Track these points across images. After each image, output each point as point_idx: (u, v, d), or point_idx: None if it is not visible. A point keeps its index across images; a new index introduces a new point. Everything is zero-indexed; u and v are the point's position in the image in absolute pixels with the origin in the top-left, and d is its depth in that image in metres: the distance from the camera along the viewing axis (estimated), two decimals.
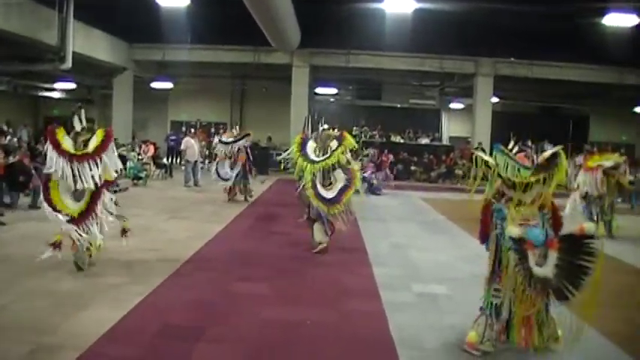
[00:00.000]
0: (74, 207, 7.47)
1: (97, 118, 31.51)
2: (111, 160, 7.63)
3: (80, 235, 7.33)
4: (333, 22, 22.04)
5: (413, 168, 27.25)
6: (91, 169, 7.34)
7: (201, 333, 5.49)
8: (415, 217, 14.48)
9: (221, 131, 30.54)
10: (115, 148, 7.91)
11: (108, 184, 7.81)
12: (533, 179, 5.17)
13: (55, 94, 31.69)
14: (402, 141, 29.92)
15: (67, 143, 7.51)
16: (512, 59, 26.89)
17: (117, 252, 8.58)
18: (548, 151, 5.31)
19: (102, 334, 5.29)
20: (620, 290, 7.71)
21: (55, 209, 7.38)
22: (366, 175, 19.46)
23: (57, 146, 7.41)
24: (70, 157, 7.34)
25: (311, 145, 9.65)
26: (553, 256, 4.95)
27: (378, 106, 33.00)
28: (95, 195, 7.50)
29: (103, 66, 25.62)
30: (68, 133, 7.66)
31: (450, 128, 34.60)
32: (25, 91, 29.19)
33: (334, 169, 9.36)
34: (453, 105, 33.54)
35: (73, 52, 19.20)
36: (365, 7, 20.41)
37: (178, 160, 25.70)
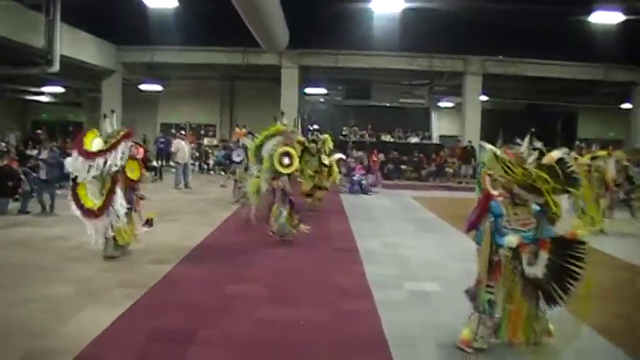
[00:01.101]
0: (96, 202, 8.27)
1: (86, 122, 31.51)
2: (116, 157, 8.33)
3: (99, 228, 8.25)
4: (322, 23, 22.04)
5: (403, 167, 27.25)
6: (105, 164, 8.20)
7: (194, 335, 5.48)
8: (406, 216, 14.49)
9: (210, 133, 30.79)
10: (127, 147, 8.61)
11: (133, 183, 8.77)
12: (551, 186, 5.12)
13: (44, 98, 31.63)
14: (391, 140, 29.93)
15: (96, 145, 8.39)
16: (501, 57, 27.00)
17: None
18: (556, 154, 5.28)
19: (94, 337, 5.28)
20: (611, 285, 7.76)
21: (78, 204, 8.23)
22: (355, 177, 19.52)
23: (82, 152, 8.26)
24: (92, 155, 8.21)
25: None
26: (544, 256, 5.05)
27: (367, 106, 33.04)
28: (111, 191, 8.31)
29: (91, 69, 25.49)
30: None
31: (440, 127, 34.66)
32: (12, 95, 29.12)
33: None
34: (443, 103, 33.63)
35: (61, 55, 19.13)
36: (353, 7, 20.45)
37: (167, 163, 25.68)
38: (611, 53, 23.82)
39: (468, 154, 26.65)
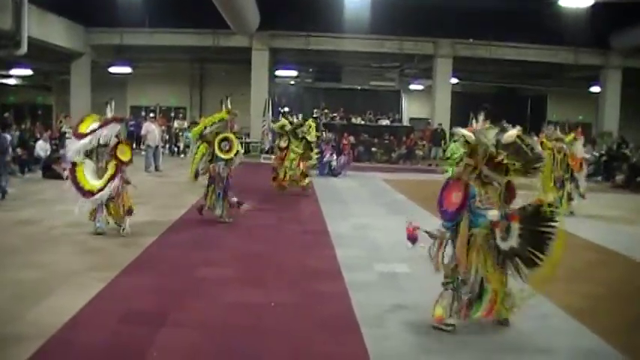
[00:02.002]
0: (95, 183, 8.81)
1: (55, 105, 31.15)
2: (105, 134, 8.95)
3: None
4: (293, 5, 22.02)
5: (374, 149, 27.34)
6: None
7: (165, 318, 5.50)
8: (376, 198, 14.56)
9: (180, 116, 30.59)
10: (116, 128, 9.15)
11: (122, 165, 9.13)
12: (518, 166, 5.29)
13: (11, 81, 31.19)
14: (362, 123, 29.98)
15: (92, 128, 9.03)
16: (471, 40, 27.14)
17: (79, 239, 8.58)
18: (513, 132, 5.35)
19: (65, 321, 5.26)
20: (579, 266, 7.90)
21: (78, 187, 8.76)
22: (325, 158, 19.52)
23: (77, 134, 9.05)
24: (83, 136, 8.93)
25: None
26: (515, 227, 5.19)
27: (338, 88, 33.08)
28: (113, 175, 8.91)
29: (59, 51, 25.18)
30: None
31: (410, 109, 34.80)
32: None
33: None
34: (413, 86, 33.79)
35: (28, 38, 18.80)
36: None
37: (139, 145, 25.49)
38: (581, 37, 24.18)
39: (438, 137, 26.80)
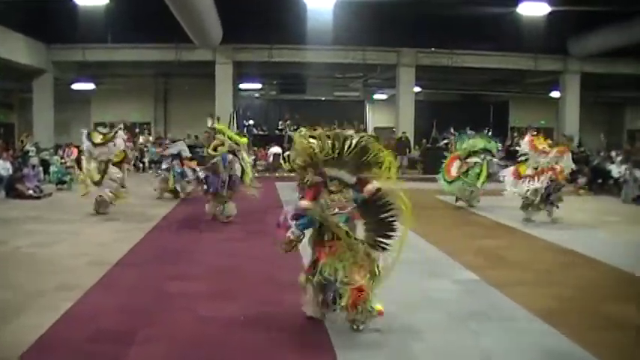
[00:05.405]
0: (96, 176, 12.56)
1: (17, 123, 30.75)
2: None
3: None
4: (255, 17, 22.03)
5: None
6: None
7: (134, 335, 5.45)
8: None
9: (146, 132, 30.41)
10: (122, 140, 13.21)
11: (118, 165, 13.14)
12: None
13: None
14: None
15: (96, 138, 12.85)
16: (433, 49, 27.36)
17: (45, 259, 8.48)
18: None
19: (32, 342, 5.19)
20: (546, 269, 8.05)
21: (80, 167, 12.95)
22: None
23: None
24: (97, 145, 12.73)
25: None
26: (360, 224, 5.52)
27: (303, 100, 33.15)
28: (104, 172, 12.71)
29: (21, 69, 24.83)
30: None
31: (375, 119, 35.02)
32: None
33: None
34: (377, 96, 33.98)
35: None
36: (287, 1, 20.52)
37: None
38: (541, 44, 24.65)
39: (402, 145, 26.97)
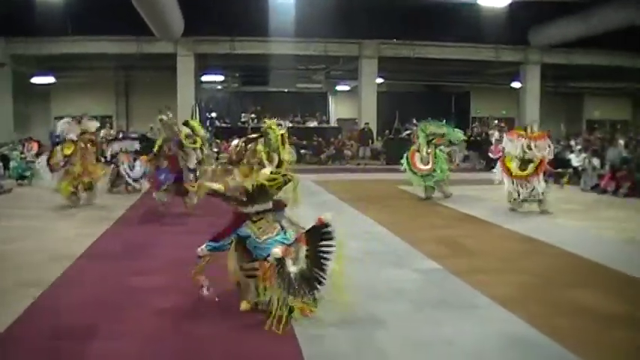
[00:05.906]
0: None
1: None
2: None
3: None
4: (217, 9, 21.94)
5: (303, 151, 27.40)
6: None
7: (97, 330, 5.40)
8: (307, 199, 14.43)
9: (108, 125, 30.04)
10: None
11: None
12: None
13: None
14: (290, 125, 30.04)
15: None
16: (395, 40, 27.52)
17: (6, 255, 8.35)
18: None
19: None
20: (508, 257, 8.15)
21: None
22: None
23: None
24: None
25: None
26: (303, 249, 5.53)
27: (265, 92, 33.16)
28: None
29: None
30: None
31: (337, 110, 35.14)
32: None
33: None
34: (340, 87, 34.11)
35: None
36: None
37: None
38: (501, 35, 25.00)
39: (365, 136, 27.13)
